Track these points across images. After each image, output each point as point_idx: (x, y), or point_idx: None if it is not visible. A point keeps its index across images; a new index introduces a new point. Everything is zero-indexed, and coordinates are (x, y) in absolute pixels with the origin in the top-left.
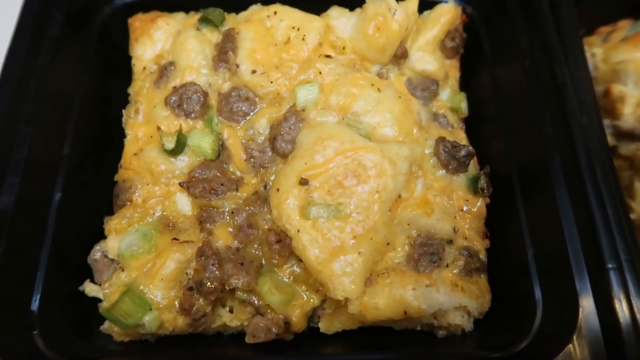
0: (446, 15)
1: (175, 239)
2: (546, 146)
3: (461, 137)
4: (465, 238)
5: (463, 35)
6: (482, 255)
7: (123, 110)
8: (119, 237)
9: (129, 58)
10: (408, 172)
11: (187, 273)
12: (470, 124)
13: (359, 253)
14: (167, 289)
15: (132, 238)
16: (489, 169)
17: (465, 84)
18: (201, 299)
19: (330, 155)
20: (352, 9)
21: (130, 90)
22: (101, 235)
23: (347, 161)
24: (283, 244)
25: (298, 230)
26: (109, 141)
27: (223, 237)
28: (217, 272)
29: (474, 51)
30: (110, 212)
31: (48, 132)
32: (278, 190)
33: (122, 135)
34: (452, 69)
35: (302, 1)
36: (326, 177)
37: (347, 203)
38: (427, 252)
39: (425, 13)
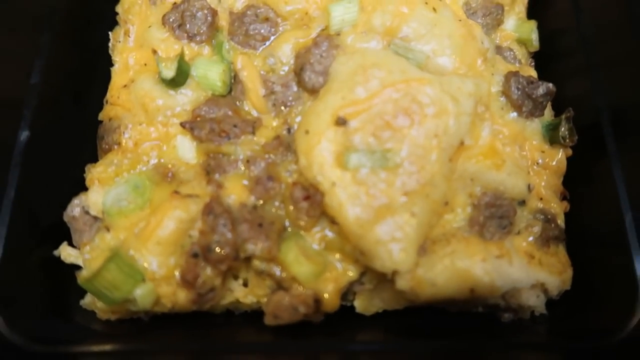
0: None
1: (176, 192)
2: None
3: (532, 75)
4: (541, 199)
5: None
6: (561, 221)
7: (110, 33)
8: (104, 189)
9: None
10: (473, 113)
11: (190, 235)
12: (541, 60)
13: (412, 214)
14: (165, 255)
15: (120, 190)
16: (571, 112)
17: (535, 11)
18: (208, 269)
19: (375, 87)
20: None
21: (118, 8)
22: (82, 187)
23: (398, 96)
24: (312, 201)
25: (333, 184)
26: (92, 70)
27: (236, 192)
28: (229, 235)
29: None
30: (94, 159)
31: (12, 56)
32: (307, 132)
33: (108, 63)
34: None
35: None
36: (370, 115)
37: (396, 149)
38: (494, 215)
39: None
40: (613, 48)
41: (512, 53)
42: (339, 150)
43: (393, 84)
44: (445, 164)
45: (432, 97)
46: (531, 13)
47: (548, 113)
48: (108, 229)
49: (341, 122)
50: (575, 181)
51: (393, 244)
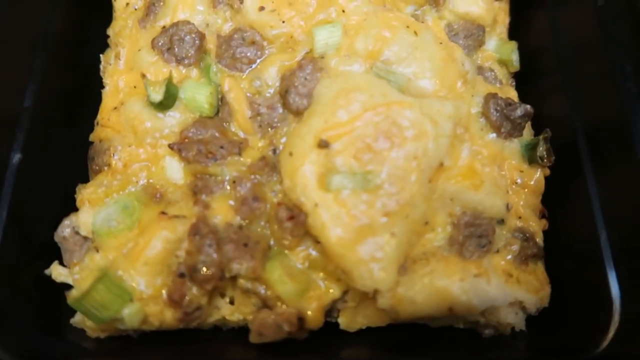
0: None
1: (164, 212)
2: (626, 104)
3: (512, 95)
4: (520, 217)
5: None
6: (539, 239)
7: (101, 55)
8: (94, 210)
9: None
10: (452, 135)
11: (177, 255)
12: (522, 80)
13: (392, 234)
14: (153, 275)
15: (109, 211)
16: (549, 132)
17: (515, 32)
18: (195, 288)
19: (356, 111)
20: None
21: (109, 31)
22: (73, 206)
23: (378, 119)
24: (297, 221)
25: (316, 205)
26: (84, 93)
27: (222, 212)
28: (214, 255)
29: None
30: (85, 179)
31: (5, 79)
32: (291, 154)
33: (99, 85)
34: (500, 13)
35: None
36: (352, 138)
37: (377, 171)
38: (474, 234)
39: None
40: (589, 68)
41: (493, 73)
42: (321, 172)
43: (374, 107)
44: (425, 185)
45: (411, 120)
46: (512, 33)
47: (527, 132)
48: (97, 250)
49: (324, 144)
50: (553, 199)
51: (373, 263)
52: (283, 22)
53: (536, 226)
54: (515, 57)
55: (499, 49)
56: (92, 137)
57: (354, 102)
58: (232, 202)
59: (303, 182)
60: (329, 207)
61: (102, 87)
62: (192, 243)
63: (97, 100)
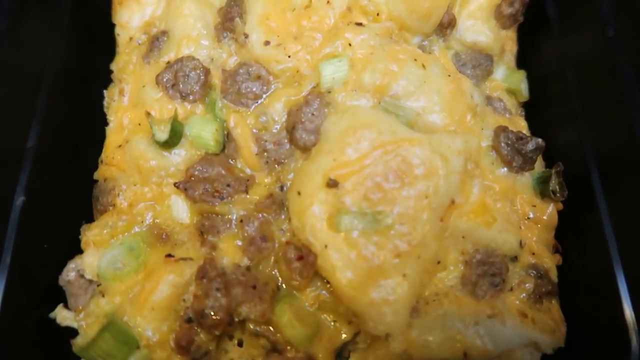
0: None
1: (170, 255)
2: (638, 133)
3: (521, 126)
4: (533, 254)
5: None
6: (553, 275)
7: (105, 91)
8: (99, 252)
9: (112, 26)
10: (463, 171)
11: (184, 300)
12: (531, 109)
13: (404, 275)
14: (159, 320)
15: (115, 253)
16: (561, 166)
17: (524, 61)
18: (202, 334)
19: (365, 149)
20: None
21: (113, 66)
22: (77, 248)
23: (388, 157)
24: (306, 262)
25: (325, 246)
26: (87, 130)
27: (230, 253)
28: (222, 300)
29: (536, 19)
30: (90, 218)
31: (8, 119)
32: (299, 193)
33: (103, 121)
34: (508, 42)
35: None
36: (361, 177)
37: (388, 211)
38: (487, 273)
39: None
40: (599, 97)
41: (502, 104)
42: (330, 212)
43: (383, 145)
44: (436, 224)
45: (421, 158)
46: (520, 62)
47: (538, 164)
48: (103, 294)
49: (332, 184)
50: (566, 232)
51: (385, 307)
52: (289, 56)
53: (550, 262)
54: (524, 87)
55: (508, 78)
56: (96, 176)
57: (362, 140)
58: (239, 242)
59: (312, 222)
60: (339, 248)
61: (106, 123)
62: (199, 287)
63: (101, 136)
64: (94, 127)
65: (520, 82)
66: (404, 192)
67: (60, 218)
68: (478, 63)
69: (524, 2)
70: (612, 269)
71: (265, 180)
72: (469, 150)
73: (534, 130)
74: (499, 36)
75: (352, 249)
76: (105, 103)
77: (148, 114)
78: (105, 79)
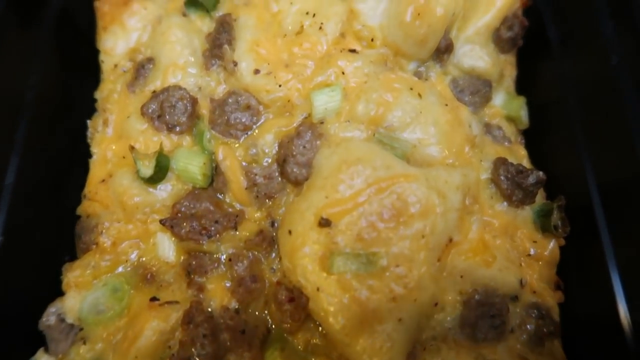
0: None
1: (155, 298)
2: None
3: (521, 155)
4: (534, 292)
5: (524, 22)
6: (555, 314)
7: (88, 121)
8: (81, 294)
9: (96, 52)
10: (461, 207)
11: (170, 347)
12: (531, 137)
13: (399, 320)
14: None
15: (97, 295)
16: (563, 200)
17: (523, 86)
18: None
19: (359, 186)
20: None
21: (97, 95)
22: (59, 289)
23: (383, 195)
24: (297, 304)
25: (317, 289)
26: (70, 162)
27: (218, 295)
28: (209, 347)
29: (536, 43)
30: (73, 255)
31: None
32: (290, 232)
33: (86, 153)
34: (508, 66)
35: None
36: (354, 216)
37: (382, 252)
38: (486, 314)
39: None
40: (602, 124)
41: (501, 132)
42: (323, 253)
43: (377, 181)
44: (434, 264)
45: (418, 195)
46: (520, 86)
47: (539, 195)
48: (84, 341)
49: (325, 223)
50: (568, 267)
51: (380, 354)
52: (280, 85)
53: (552, 300)
54: (524, 114)
55: (507, 104)
56: (79, 211)
57: (356, 176)
58: (228, 284)
59: (303, 263)
60: (332, 291)
61: (90, 154)
62: (185, 332)
63: (84, 168)
64: (76, 158)
65: (520, 108)
66: (399, 231)
67: (41, 257)
68: (476, 89)
69: (523, 26)
70: (615, 306)
71: (256, 215)
72: (468, 184)
73: (534, 158)
74: (498, 61)
75: (346, 292)
76: (88, 134)
77: (132, 148)
78: (89, 107)
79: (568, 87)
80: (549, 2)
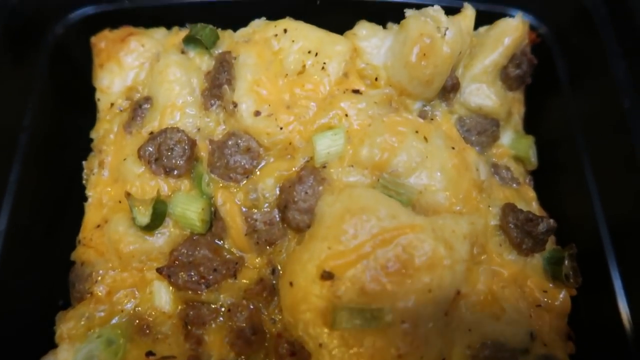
0: (511, 34)
1: (151, 352)
2: None
3: (530, 197)
4: (545, 344)
5: (532, 60)
6: None
7: (84, 162)
8: (74, 347)
9: (92, 90)
10: (469, 258)
11: None
12: (539, 177)
13: None
14: None
15: (91, 348)
16: (575, 249)
17: (531, 124)
18: None
19: (363, 237)
20: (385, 24)
21: (93, 134)
22: (52, 339)
23: (388, 248)
24: (299, 359)
25: (320, 345)
26: (64, 204)
27: (216, 348)
28: None
29: (545, 80)
30: (67, 300)
31: None
32: (291, 284)
33: (81, 195)
34: (515, 103)
35: (321, 15)
36: (358, 269)
37: (387, 308)
38: None
39: (482, 30)
40: (613, 165)
41: (509, 173)
42: (325, 307)
43: (382, 232)
44: (441, 319)
45: (424, 247)
46: (528, 123)
47: (550, 240)
48: None
49: (327, 276)
50: (579, 316)
51: None
52: (281, 128)
53: (562, 353)
54: (532, 153)
55: (515, 144)
56: (73, 257)
57: (359, 227)
58: (226, 340)
59: (305, 318)
60: (335, 348)
61: (85, 197)
62: None
63: (79, 209)
64: (71, 200)
65: (529, 148)
66: (405, 286)
67: (34, 304)
68: (483, 129)
69: (532, 64)
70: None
71: (256, 261)
72: (475, 233)
73: (544, 200)
74: (506, 99)
75: (349, 348)
76: (84, 175)
77: (128, 194)
78: (85, 146)
79: (577, 126)
80: (558, 39)
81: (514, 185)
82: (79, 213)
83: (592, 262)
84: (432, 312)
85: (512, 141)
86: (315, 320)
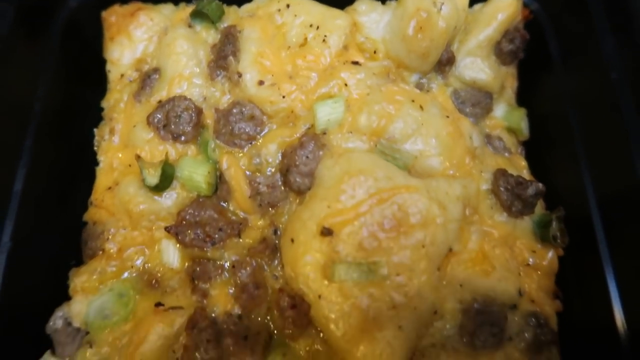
0: (504, 10)
1: (160, 303)
2: None
3: (521, 166)
4: (532, 301)
5: (525, 35)
6: (553, 323)
7: (95, 130)
8: (87, 299)
9: (103, 62)
10: (461, 218)
11: (174, 351)
12: (531, 148)
13: (399, 327)
14: None
15: (104, 300)
16: (562, 211)
17: (524, 98)
18: None
19: (361, 196)
20: (384, 1)
21: (104, 104)
22: (66, 294)
23: (384, 205)
24: (299, 311)
25: (319, 296)
26: (77, 169)
27: (221, 301)
28: (213, 352)
29: (537, 56)
30: (79, 260)
31: None
32: (293, 241)
33: (93, 161)
34: (509, 78)
35: None
36: (356, 226)
37: (383, 261)
38: (485, 322)
39: (477, 7)
40: (602, 138)
41: (501, 143)
42: (325, 261)
43: (379, 192)
44: (434, 273)
45: (418, 206)
46: (521, 98)
47: (539, 206)
48: (90, 344)
49: (327, 232)
50: (567, 277)
51: None
52: (283, 96)
53: (550, 310)
54: (524, 125)
55: (508, 116)
56: (85, 218)
57: (357, 187)
58: (231, 290)
59: (305, 272)
60: (333, 299)
61: (96, 162)
62: (189, 337)
63: (90, 175)
64: (83, 166)
65: (521, 120)
66: (400, 241)
67: (49, 262)
68: (477, 101)
69: (525, 39)
70: (613, 317)
71: (259, 223)
72: (468, 195)
73: (534, 169)
74: (499, 73)
75: (347, 299)
76: (95, 142)
77: (138, 157)
78: (96, 116)
79: (568, 101)
80: (550, 16)
81: (506, 154)
82: (91, 178)
83: (580, 228)
84: (425, 266)
85: (505, 113)
86: (315, 274)
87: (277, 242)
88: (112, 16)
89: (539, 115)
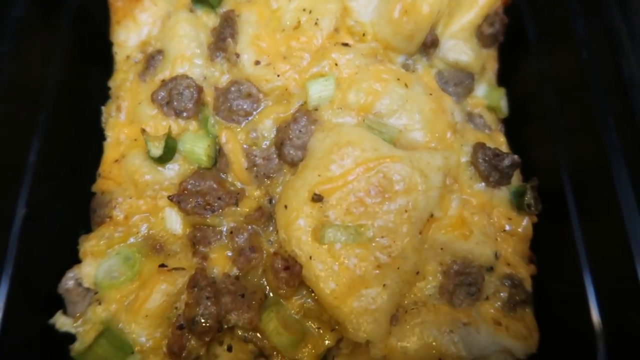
0: None
1: (163, 265)
2: (610, 154)
3: (500, 142)
4: (508, 264)
5: (504, 19)
6: (528, 285)
7: (103, 107)
8: (96, 262)
9: (110, 44)
10: (442, 186)
11: (176, 308)
12: (510, 126)
13: (384, 286)
14: (153, 327)
15: (111, 263)
16: (536, 181)
17: (504, 78)
18: (193, 340)
19: (349, 165)
20: None
21: (111, 84)
22: (76, 258)
23: (370, 174)
24: (292, 272)
25: (310, 257)
26: (86, 144)
27: (220, 263)
28: (212, 308)
29: (515, 39)
30: (88, 228)
31: (10, 134)
32: (286, 207)
33: (101, 137)
34: (489, 60)
35: None
36: (344, 192)
37: (369, 225)
38: (463, 283)
39: None
40: (574, 117)
41: (482, 120)
42: (315, 225)
43: (365, 161)
44: (416, 237)
45: (402, 174)
46: (501, 79)
47: (516, 179)
48: (100, 302)
49: (317, 198)
50: (541, 244)
51: (366, 315)
52: (278, 75)
53: (524, 272)
54: (503, 104)
55: (488, 95)
56: (94, 188)
57: (346, 157)
58: (229, 253)
59: (297, 235)
60: (323, 259)
61: (104, 138)
62: (190, 295)
63: (99, 150)
64: (92, 142)
65: (500, 99)
66: (384, 206)
67: (60, 229)
68: (460, 81)
69: (504, 23)
70: (582, 279)
71: (255, 194)
72: (448, 166)
73: (513, 145)
74: (481, 55)
75: (335, 260)
76: (103, 119)
77: (143, 130)
78: (104, 95)
79: (544, 81)
80: (528, 1)
81: (487, 131)
82: (99, 152)
83: (553, 198)
84: (408, 230)
85: (486, 93)
86: (306, 237)
87: (272, 210)
88: (118, 1)
89: (518, 95)
